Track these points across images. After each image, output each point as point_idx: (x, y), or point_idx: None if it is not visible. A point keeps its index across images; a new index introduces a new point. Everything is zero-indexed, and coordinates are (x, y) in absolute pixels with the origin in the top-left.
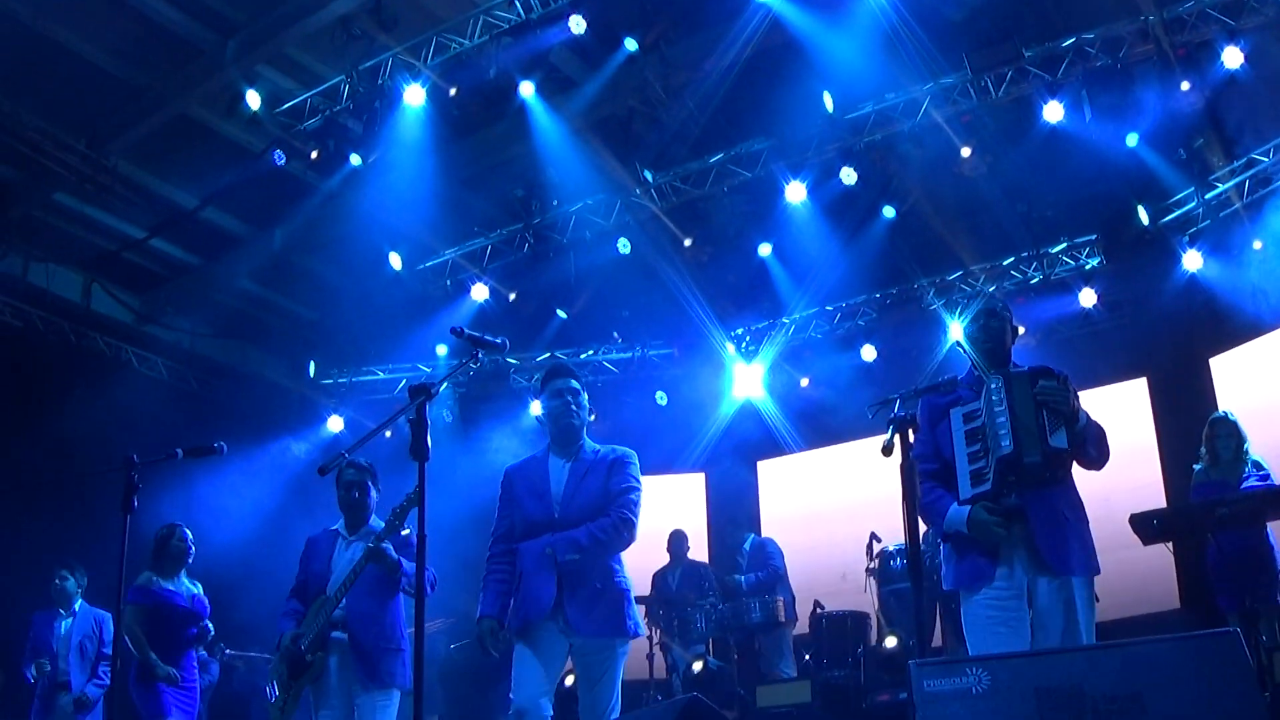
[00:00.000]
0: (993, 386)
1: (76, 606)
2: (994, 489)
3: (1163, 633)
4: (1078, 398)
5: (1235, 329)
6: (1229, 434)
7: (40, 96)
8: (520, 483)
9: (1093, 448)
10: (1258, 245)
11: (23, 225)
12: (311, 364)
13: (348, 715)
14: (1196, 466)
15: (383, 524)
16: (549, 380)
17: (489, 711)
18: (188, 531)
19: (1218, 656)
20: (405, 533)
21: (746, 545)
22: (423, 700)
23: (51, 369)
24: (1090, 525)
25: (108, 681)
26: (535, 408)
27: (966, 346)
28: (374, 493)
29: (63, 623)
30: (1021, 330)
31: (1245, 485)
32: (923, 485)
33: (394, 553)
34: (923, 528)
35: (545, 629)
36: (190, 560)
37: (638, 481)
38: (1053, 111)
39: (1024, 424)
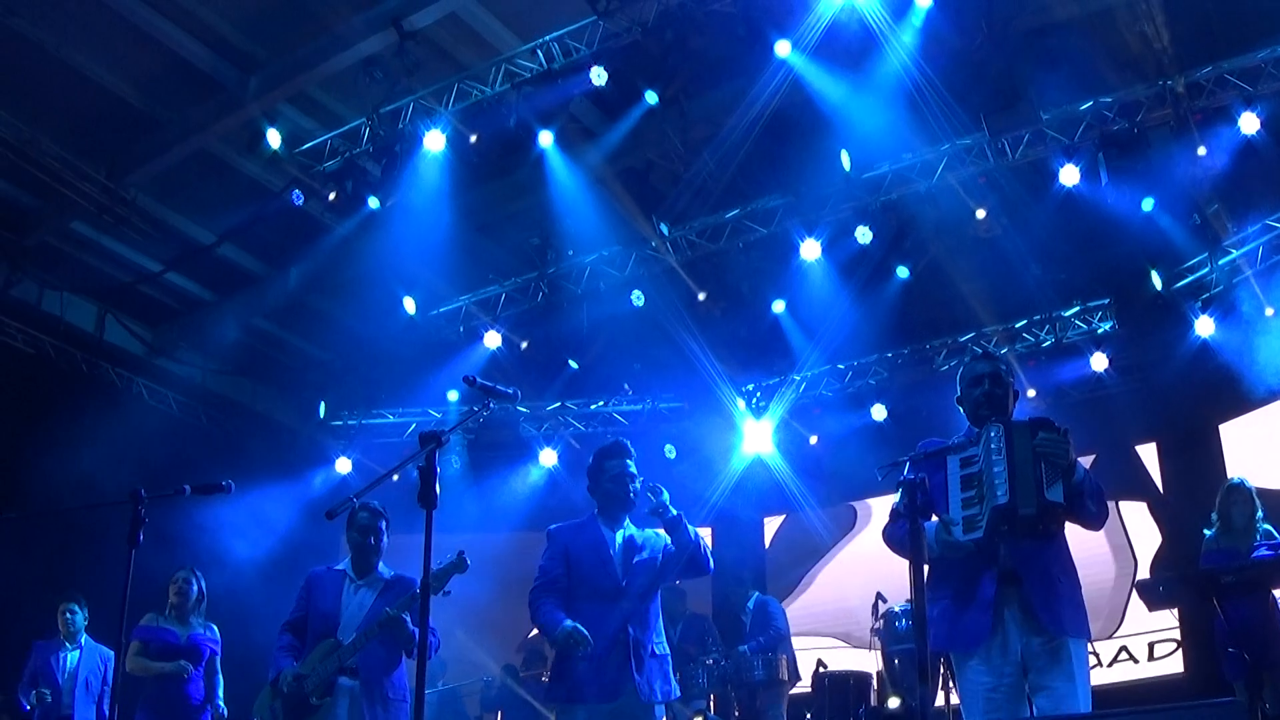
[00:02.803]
0: (992, 434)
1: (82, 641)
2: (985, 537)
3: (1168, 699)
4: (1075, 452)
5: (1246, 395)
6: (1244, 501)
7: (62, 124)
8: (577, 546)
9: (1091, 503)
10: (1270, 312)
11: (39, 253)
12: (322, 405)
13: None
14: (1208, 533)
15: (391, 573)
16: (612, 457)
17: None
18: (190, 577)
19: None
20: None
21: (750, 604)
22: None
23: (62, 397)
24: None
25: None
26: (546, 457)
27: (964, 408)
28: (385, 538)
29: (67, 655)
30: (1032, 393)
31: (1256, 554)
32: (904, 527)
33: (411, 625)
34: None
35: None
36: (183, 604)
37: None
38: (1069, 175)
39: (1021, 475)
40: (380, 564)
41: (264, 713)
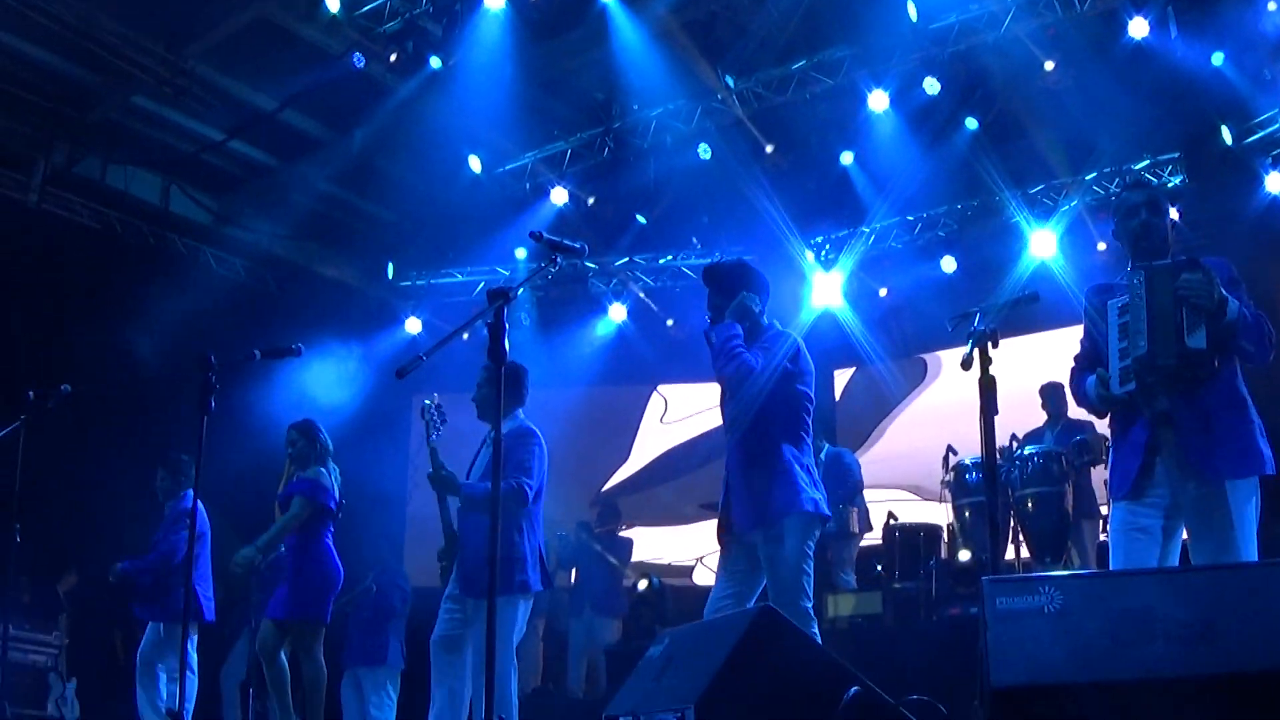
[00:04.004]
0: (1135, 282)
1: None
2: (1139, 389)
3: None
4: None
5: None
6: None
7: (119, 0)
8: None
9: (1247, 341)
10: None
11: (101, 128)
12: (390, 266)
13: (467, 618)
14: None
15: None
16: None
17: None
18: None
19: None
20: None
21: (822, 455)
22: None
23: (130, 270)
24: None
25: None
26: (615, 312)
27: (1121, 242)
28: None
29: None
30: (1103, 246)
31: None
32: (1076, 378)
33: (451, 476)
34: (1000, 442)
35: None
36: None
37: None
38: (1138, 27)
39: (1160, 323)
40: (516, 413)
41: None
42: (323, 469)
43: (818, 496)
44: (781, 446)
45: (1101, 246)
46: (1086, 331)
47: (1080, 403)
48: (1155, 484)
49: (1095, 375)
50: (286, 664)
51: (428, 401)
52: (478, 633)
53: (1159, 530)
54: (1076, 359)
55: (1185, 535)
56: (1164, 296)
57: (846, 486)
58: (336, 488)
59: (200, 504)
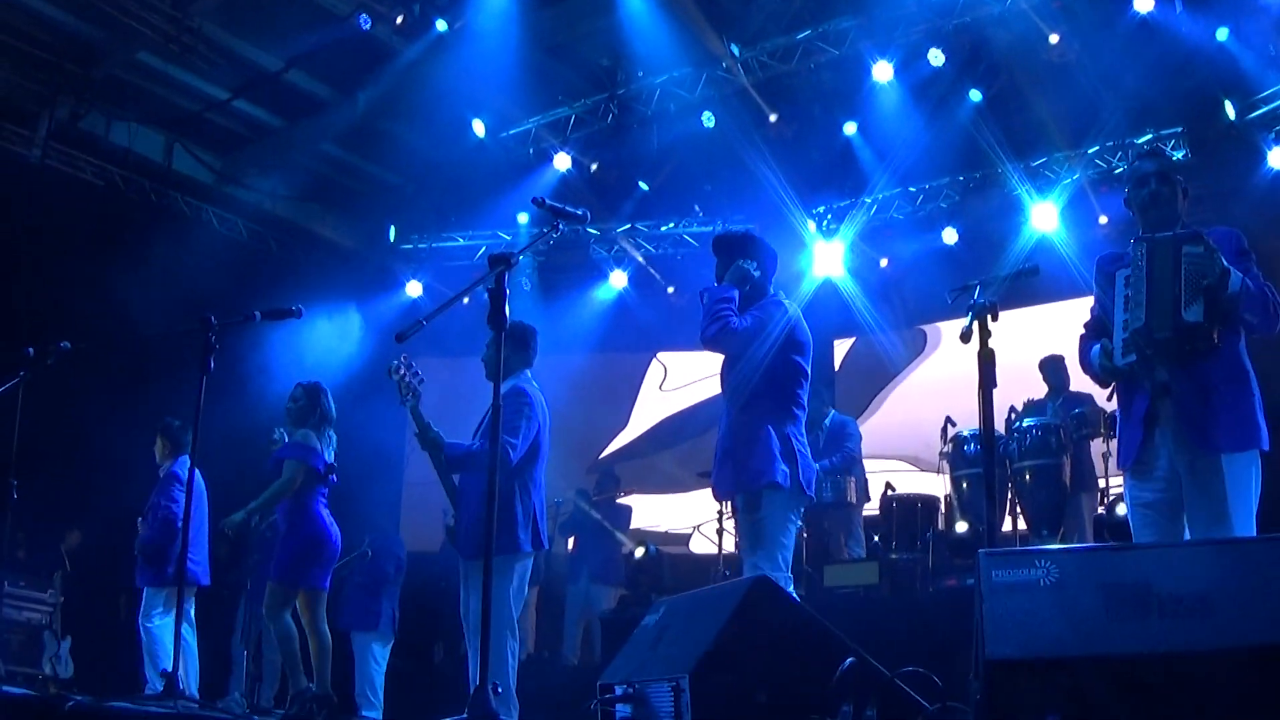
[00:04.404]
0: (1138, 254)
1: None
2: (1140, 360)
3: None
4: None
5: None
6: None
7: None
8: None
9: (1249, 314)
10: None
11: (106, 85)
12: (392, 229)
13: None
14: None
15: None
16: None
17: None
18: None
19: None
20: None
21: (827, 421)
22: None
23: (132, 228)
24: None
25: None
26: (616, 279)
27: (1132, 210)
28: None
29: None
30: (1104, 220)
31: None
32: (1082, 346)
33: (438, 435)
34: (999, 415)
35: None
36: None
37: None
38: (1143, 2)
39: (1158, 295)
40: (525, 374)
41: None
42: (312, 432)
43: (789, 469)
44: (765, 417)
45: (1103, 220)
46: (1097, 299)
47: (1086, 371)
48: (1156, 456)
49: (1100, 345)
50: (293, 626)
51: (395, 363)
52: (473, 594)
53: (1164, 505)
54: (1086, 326)
55: None
56: (1163, 269)
57: (841, 455)
58: (330, 452)
59: (196, 469)
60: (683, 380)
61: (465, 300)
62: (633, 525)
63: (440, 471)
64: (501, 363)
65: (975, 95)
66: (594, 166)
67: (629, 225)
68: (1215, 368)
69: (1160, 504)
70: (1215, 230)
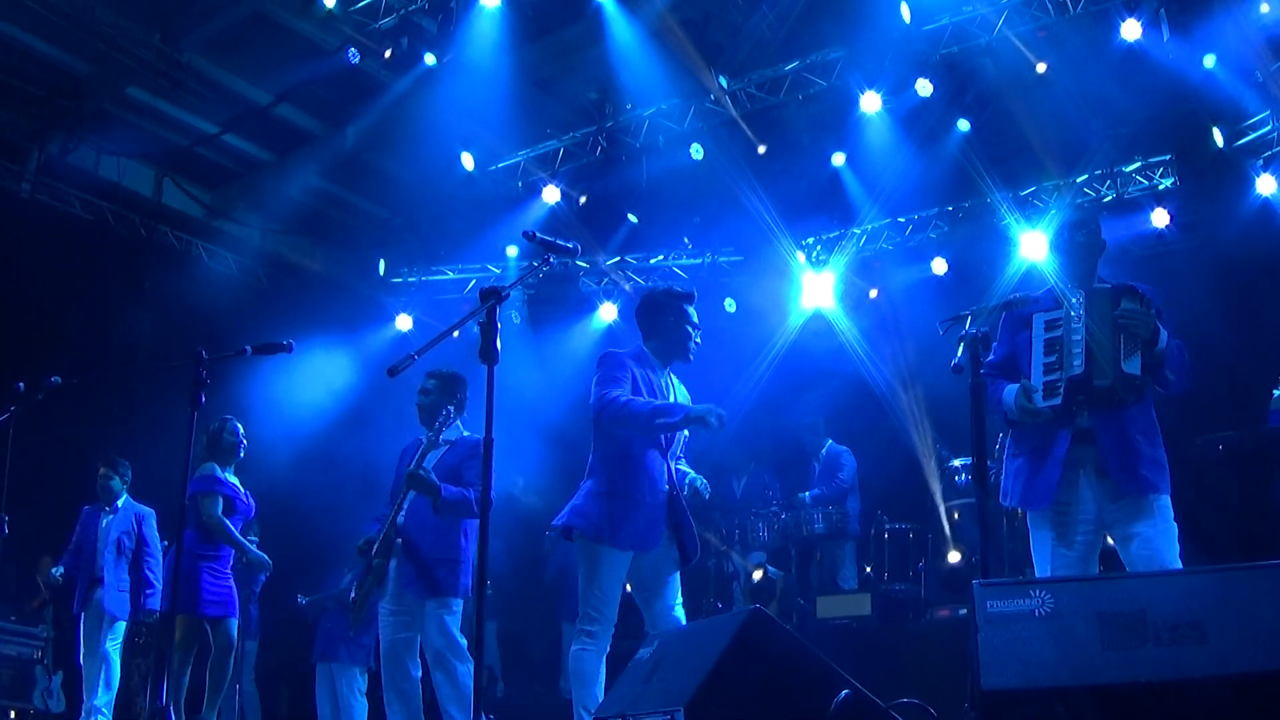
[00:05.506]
0: (1074, 302)
1: (120, 503)
2: (1064, 405)
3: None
4: (1159, 319)
5: None
6: None
7: None
8: (643, 375)
9: (1170, 371)
10: None
11: (95, 119)
12: (381, 262)
13: (414, 620)
14: (1277, 392)
15: (462, 435)
16: (692, 302)
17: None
18: (238, 425)
19: None
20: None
21: (823, 451)
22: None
23: (122, 262)
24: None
25: (157, 584)
26: (606, 312)
27: (1052, 261)
28: (443, 397)
29: (105, 518)
30: None
31: None
32: (991, 386)
33: (433, 478)
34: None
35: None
36: (241, 455)
37: None
38: (1130, 30)
39: (1099, 346)
40: (457, 425)
41: (351, 576)
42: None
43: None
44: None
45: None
46: (1003, 340)
47: (993, 409)
48: (1079, 499)
49: (1020, 386)
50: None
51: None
52: (428, 634)
53: (1084, 546)
54: (989, 365)
55: (1110, 542)
56: (1103, 320)
57: (831, 486)
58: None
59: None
60: None
61: (456, 334)
62: None
63: (395, 509)
64: (491, 399)
65: (964, 125)
66: (583, 199)
67: (618, 258)
68: (1132, 419)
69: (1082, 545)
70: (1141, 287)
